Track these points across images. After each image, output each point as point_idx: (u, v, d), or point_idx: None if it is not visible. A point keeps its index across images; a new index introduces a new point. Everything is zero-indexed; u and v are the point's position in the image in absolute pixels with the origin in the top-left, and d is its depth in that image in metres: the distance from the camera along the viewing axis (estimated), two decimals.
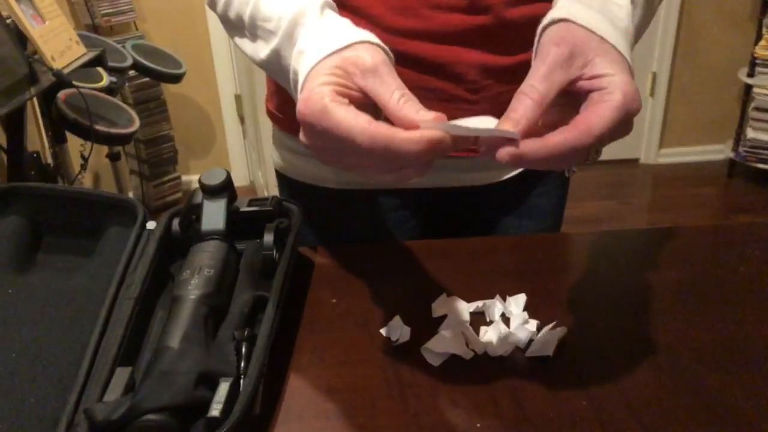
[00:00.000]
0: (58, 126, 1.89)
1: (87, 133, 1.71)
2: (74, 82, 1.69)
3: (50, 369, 0.52)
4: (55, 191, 0.67)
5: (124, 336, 0.53)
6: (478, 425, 0.49)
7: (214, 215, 0.62)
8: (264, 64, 0.57)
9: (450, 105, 0.65)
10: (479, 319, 0.59)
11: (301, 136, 0.45)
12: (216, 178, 0.63)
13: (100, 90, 1.89)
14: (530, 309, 0.59)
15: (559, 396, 0.51)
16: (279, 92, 0.77)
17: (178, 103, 2.73)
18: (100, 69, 1.95)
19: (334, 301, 0.63)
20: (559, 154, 0.40)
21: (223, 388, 0.46)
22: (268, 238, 0.61)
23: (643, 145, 3.09)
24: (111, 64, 1.99)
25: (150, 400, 0.44)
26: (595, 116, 0.41)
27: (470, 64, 0.63)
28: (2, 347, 0.53)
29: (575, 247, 0.72)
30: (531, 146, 0.40)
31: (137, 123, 1.86)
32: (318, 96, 0.42)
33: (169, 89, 2.63)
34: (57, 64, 1.49)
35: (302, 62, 0.47)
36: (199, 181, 0.63)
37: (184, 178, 2.80)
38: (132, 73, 2.28)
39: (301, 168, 0.77)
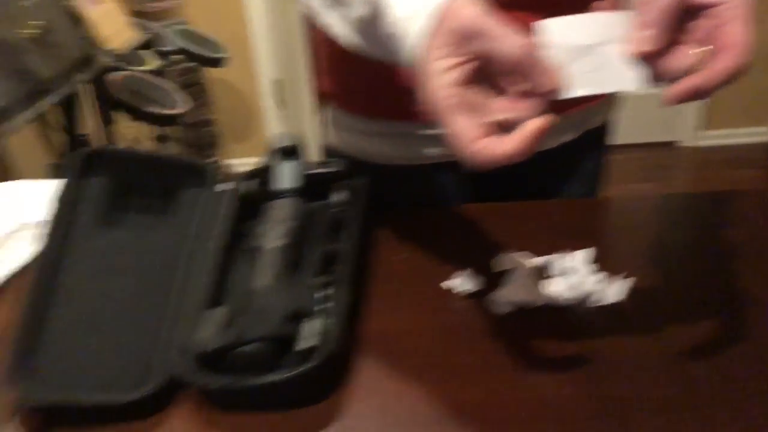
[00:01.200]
0: (106, 107, 1.95)
1: (137, 114, 1.76)
2: (123, 65, 1.74)
3: (141, 312, 0.56)
4: (135, 155, 0.72)
5: (209, 282, 0.57)
6: (556, 360, 0.51)
7: (287, 175, 0.66)
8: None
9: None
10: (542, 272, 0.61)
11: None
12: (288, 141, 0.67)
13: (148, 72, 1.95)
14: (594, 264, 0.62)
15: (632, 342, 0.53)
16: (337, 72, 0.79)
17: (219, 88, 2.79)
18: (147, 52, 2.01)
19: (397, 258, 0.66)
20: (726, 80, 0.41)
21: (310, 325, 0.50)
22: (340, 195, 0.65)
23: (684, 126, 3.05)
24: (157, 48, 2.04)
25: (248, 333, 0.48)
26: (739, 32, 0.41)
27: None
28: (97, 294, 0.57)
29: (631, 210, 0.74)
30: (707, 77, 0.41)
31: (184, 105, 1.91)
32: (441, 98, 0.42)
33: (209, 74, 2.69)
34: (111, 46, 1.54)
35: (409, 29, 0.44)
36: (273, 144, 0.67)
37: (225, 162, 2.86)
38: (174, 57, 2.34)
39: (358, 145, 0.79)
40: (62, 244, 0.59)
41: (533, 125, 0.41)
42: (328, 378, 0.51)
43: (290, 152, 0.66)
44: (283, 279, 0.54)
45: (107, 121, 1.94)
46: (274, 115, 2.95)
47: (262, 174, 0.66)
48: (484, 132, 0.41)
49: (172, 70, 2.40)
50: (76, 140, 1.84)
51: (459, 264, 0.62)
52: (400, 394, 0.49)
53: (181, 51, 2.21)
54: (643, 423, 0.46)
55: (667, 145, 3.10)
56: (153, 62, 1.98)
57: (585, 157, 0.82)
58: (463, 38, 0.42)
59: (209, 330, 0.51)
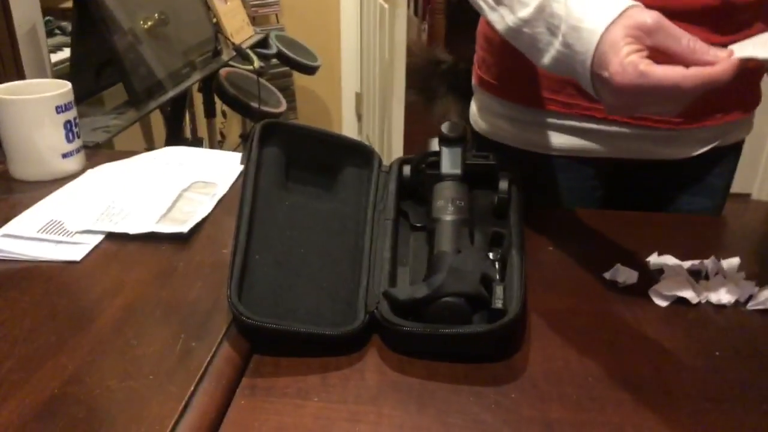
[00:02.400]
0: (210, 101, 2.06)
1: (243, 109, 1.86)
2: (232, 63, 1.85)
3: (336, 264, 0.62)
4: (305, 130, 0.78)
5: (392, 246, 0.63)
6: (717, 353, 0.55)
7: (453, 160, 0.71)
8: (512, 33, 0.63)
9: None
10: (694, 275, 0.65)
11: (609, 99, 0.52)
12: (456, 131, 0.73)
13: (252, 72, 2.05)
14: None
15: None
16: (499, 63, 0.85)
17: (304, 95, 2.90)
18: (251, 53, 2.11)
19: (550, 248, 0.71)
20: None
21: (499, 288, 0.55)
22: (504, 183, 0.70)
23: (758, 179, 3.02)
24: (260, 50, 2.15)
25: (448, 287, 0.53)
26: None
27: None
28: (290, 245, 0.63)
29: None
30: None
31: (285, 105, 2.01)
32: (631, 66, 0.49)
33: (297, 81, 2.80)
34: (233, 41, 1.64)
35: (582, 38, 0.52)
36: (441, 131, 0.72)
37: None
38: (273, 61, 2.45)
39: (508, 132, 0.86)
40: (254, 202, 0.65)
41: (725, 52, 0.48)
42: (510, 338, 0.55)
43: (458, 139, 0.72)
44: (469, 246, 0.59)
45: (210, 114, 2.04)
46: (351, 125, 3.04)
47: (430, 157, 0.72)
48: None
49: (268, 73, 2.51)
50: (175, 130, 1.95)
51: (612, 259, 0.66)
52: (569, 363, 0.53)
53: (281, 56, 2.32)
54: None
55: (738, 197, 3.07)
56: (257, 62, 2.09)
57: (715, 174, 0.86)
58: (647, 31, 0.49)
59: (405, 282, 0.56)
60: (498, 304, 0.53)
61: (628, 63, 0.49)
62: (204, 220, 0.72)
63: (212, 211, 0.75)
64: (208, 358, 0.50)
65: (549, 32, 0.57)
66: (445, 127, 0.73)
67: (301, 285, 0.59)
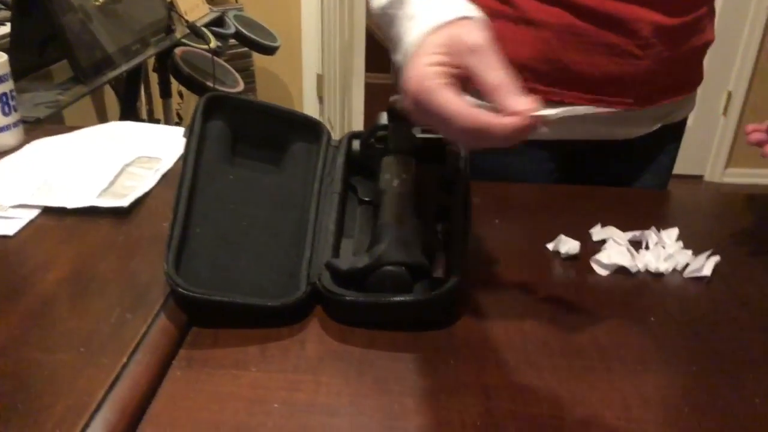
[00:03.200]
0: (166, 81, 2.01)
1: (199, 89, 1.82)
2: (185, 41, 1.81)
3: (279, 237, 0.61)
4: (252, 104, 0.77)
5: (337, 218, 0.63)
6: (652, 319, 0.56)
7: (401, 135, 0.71)
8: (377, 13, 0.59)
9: (619, 60, 0.73)
10: (635, 245, 0.66)
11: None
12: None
13: (207, 51, 2.01)
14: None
15: (719, 307, 0.58)
16: None
17: (264, 76, 2.86)
18: (207, 31, 2.07)
19: (496, 221, 0.71)
20: None
21: (441, 258, 0.55)
22: (452, 159, 0.70)
23: (710, 162, 3.10)
24: (216, 29, 2.10)
25: (390, 256, 0.53)
26: None
27: (645, 21, 0.71)
28: (233, 218, 0.62)
29: (716, 203, 0.79)
30: None
31: (242, 85, 1.97)
32: (426, 76, 0.44)
33: (257, 62, 2.76)
34: (188, 19, 1.61)
35: (410, 30, 0.49)
36: (389, 104, 0.72)
37: None
38: (231, 41, 2.40)
39: None
40: (195, 175, 0.64)
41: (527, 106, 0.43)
42: (451, 306, 0.55)
43: (405, 114, 0.71)
44: (411, 219, 0.59)
45: (165, 94, 2.00)
46: (313, 107, 3.01)
47: (379, 131, 0.71)
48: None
49: (225, 53, 2.46)
50: (128, 109, 1.90)
51: (556, 231, 0.67)
52: (508, 331, 0.54)
53: (238, 35, 2.27)
54: (736, 373, 0.50)
55: (691, 179, 3.16)
56: (213, 42, 2.04)
57: (663, 151, 0.88)
58: (464, 50, 0.45)
59: (348, 254, 0.56)
60: (439, 272, 0.53)
61: (422, 73, 0.45)
62: (146, 194, 0.71)
63: (155, 186, 0.73)
64: (143, 330, 0.49)
65: (396, 19, 0.53)
66: (394, 101, 0.73)
67: (243, 258, 0.58)
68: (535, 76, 0.79)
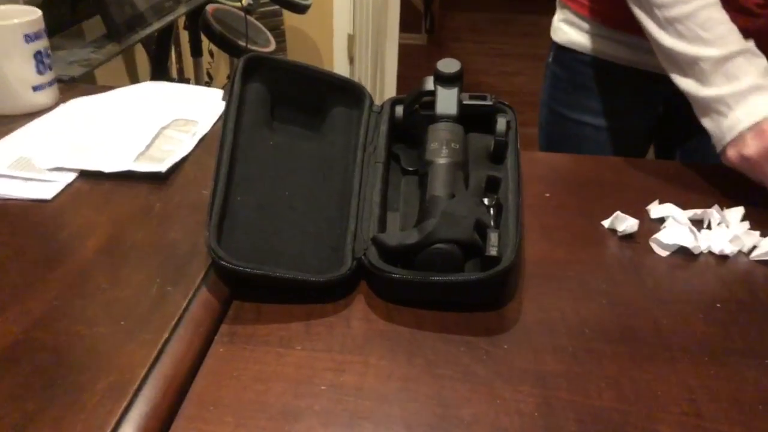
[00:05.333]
0: (197, 39, 1.97)
1: (230, 48, 1.78)
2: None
3: (322, 208, 0.59)
4: (292, 65, 0.73)
5: (382, 189, 0.60)
6: (718, 305, 0.52)
7: (448, 100, 0.67)
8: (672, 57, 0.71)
9: (739, 15, 0.72)
10: (696, 225, 0.62)
11: (753, 150, 0.64)
12: (452, 68, 0.68)
13: (239, 9, 1.96)
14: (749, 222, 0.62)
15: None
16: None
17: (295, 35, 2.80)
18: None
19: (547, 195, 0.68)
20: None
21: (494, 235, 0.52)
22: (501, 125, 0.66)
23: None
24: None
25: (440, 233, 0.50)
26: None
27: None
28: (275, 186, 0.59)
29: None
30: None
31: (273, 44, 1.93)
32: None
33: (288, 21, 2.70)
34: None
35: (760, 102, 0.64)
36: (436, 68, 0.68)
37: None
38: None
39: (585, 43, 0.93)
40: (236, 140, 0.61)
41: None
42: (504, 287, 0.53)
43: (455, 78, 0.68)
44: (464, 191, 0.56)
45: (197, 53, 1.97)
46: (343, 68, 2.96)
47: (424, 97, 0.67)
48: None
49: (257, 11, 2.41)
50: (160, 68, 1.87)
51: (614, 207, 0.63)
52: (564, 314, 0.51)
53: None
54: None
55: None
56: (245, 0, 1.99)
57: None
58: None
59: (395, 228, 0.54)
60: (492, 251, 0.50)
61: None
62: (184, 159, 0.68)
63: (193, 150, 0.71)
64: (185, 304, 0.47)
65: (729, 75, 0.66)
66: (441, 65, 0.69)
67: (285, 229, 0.55)
68: None
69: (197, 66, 2.08)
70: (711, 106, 0.68)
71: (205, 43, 2.07)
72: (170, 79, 2.02)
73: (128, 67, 2.08)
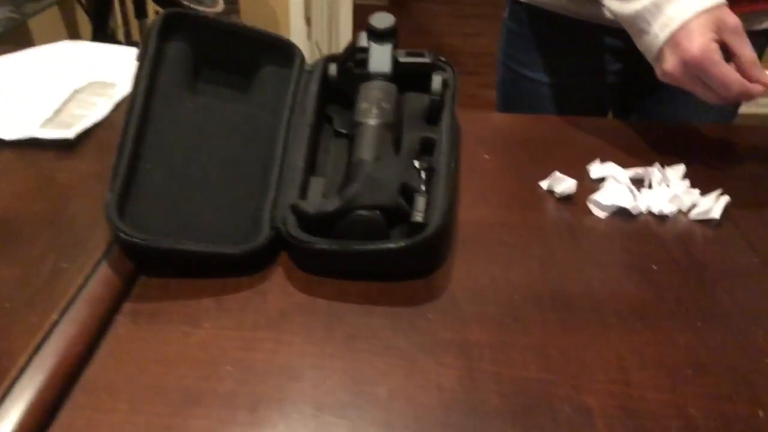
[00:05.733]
0: (140, 0, 1.88)
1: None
2: None
3: (242, 175, 0.54)
4: (216, 23, 0.68)
5: (306, 154, 0.56)
6: (654, 267, 0.51)
7: (381, 58, 0.63)
8: None
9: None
10: (637, 184, 0.60)
11: (671, 64, 0.59)
12: (385, 22, 0.64)
13: None
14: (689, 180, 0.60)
15: (728, 252, 0.53)
16: None
17: None
18: None
19: (486, 157, 0.65)
20: None
21: (421, 200, 0.49)
22: (437, 84, 0.62)
23: None
24: None
25: (363, 199, 0.47)
26: None
27: None
28: (190, 153, 0.55)
29: (725, 137, 0.72)
30: None
31: (222, 5, 1.85)
32: (712, 49, 0.57)
33: None
34: None
35: (680, 7, 0.59)
36: (369, 23, 0.64)
37: None
38: None
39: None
40: (147, 102, 0.56)
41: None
42: (431, 254, 0.50)
43: (388, 34, 0.64)
44: (391, 154, 0.53)
45: (141, 14, 1.87)
46: (300, 30, 2.87)
47: (358, 53, 0.63)
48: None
49: None
50: (100, 29, 1.78)
51: (551, 169, 0.61)
52: (494, 281, 0.49)
53: None
54: (744, 328, 0.45)
55: None
56: None
57: None
58: (727, 30, 0.57)
59: (317, 194, 0.50)
60: (418, 217, 0.47)
61: (708, 47, 0.56)
62: (98, 125, 0.63)
63: (109, 115, 0.66)
64: (80, 282, 0.43)
65: None
66: (373, 19, 0.65)
67: (199, 199, 0.51)
68: None
69: (143, 28, 1.99)
70: (635, 25, 0.64)
71: (152, 5, 1.97)
72: (116, 42, 1.92)
73: (69, 27, 1.97)
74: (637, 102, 0.95)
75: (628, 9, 0.64)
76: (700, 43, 0.57)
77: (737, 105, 0.88)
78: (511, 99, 0.99)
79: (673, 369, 0.42)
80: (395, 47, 0.64)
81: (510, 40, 0.97)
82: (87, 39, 1.88)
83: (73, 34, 2.01)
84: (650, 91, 0.91)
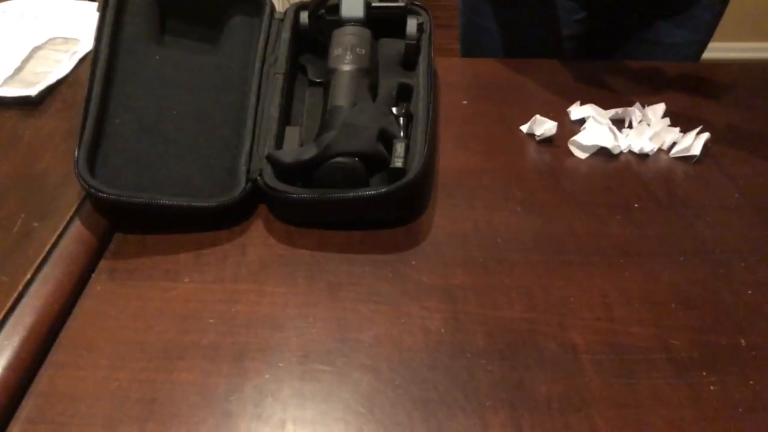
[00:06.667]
0: None
1: None
2: None
3: (216, 127, 0.53)
4: None
5: (281, 103, 0.54)
6: (636, 205, 0.50)
7: (354, 3, 0.61)
8: None
9: None
10: (618, 124, 0.59)
11: None
12: None
13: None
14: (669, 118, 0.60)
15: (708, 188, 0.52)
16: None
17: None
18: None
19: (465, 102, 0.64)
20: None
21: (400, 146, 0.48)
22: (411, 28, 0.60)
23: None
24: None
25: (340, 145, 0.45)
26: None
27: None
28: (160, 105, 0.53)
29: (704, 75, 0.72)
30: None
31: None
32: None
33: None
34: None
35: None
36: None
37: None
38: None
39: None
40: (112, 56, 0.54)
41: None
42: (412, 200, 0.49)
43: None
44: (367, 100, 0.51)
45: None
46: None
47: (320, 3, 0.61)
48: None
49: None
50: None
51: (531, 112, 0.60)
52: (477, 225, 0.48)
53: None
54: (726, 261, 0.46)
55: None
56: None
57: (702, 5, 0.79)
58: None
59: (294, 144, 0.49)
60: (397, 162, 0.46)
61: None
62: (60, 81, 0.61)
63: (72, 71, 0.63)
64: (53, 240, 0.42)
65: None
66: None
67: (172, 152, 0.50)
68: None
69: None
70: None
71: None
72: None
73: None
74: (600, 51, 0.93)
75: None
76: None
77: (700, 49, 0.87)
78: (472, 51, 0.97)
79: (656, 304, 0.42)
80: None
81: None
82: None
83: None
84: (614, 41, 0.88)
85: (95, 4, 0.78)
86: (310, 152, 0.46)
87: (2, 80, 0.59)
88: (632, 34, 0.83)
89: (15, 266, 0.39)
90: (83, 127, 0.47)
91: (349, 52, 0.56)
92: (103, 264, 0.43)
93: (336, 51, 0.56)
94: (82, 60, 0.65)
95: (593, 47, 0.94)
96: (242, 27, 0.64)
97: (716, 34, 0.84)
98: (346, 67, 0.54)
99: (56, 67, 0.63)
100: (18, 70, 0.61)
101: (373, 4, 0.63)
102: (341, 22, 0.60)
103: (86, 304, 0.40)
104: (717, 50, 3.11)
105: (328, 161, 0.45)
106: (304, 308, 0.41)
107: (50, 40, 0.67)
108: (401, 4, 0.64)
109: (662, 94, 0.64)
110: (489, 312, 0.41)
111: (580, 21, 0.85)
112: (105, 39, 0.53)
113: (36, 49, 0.65)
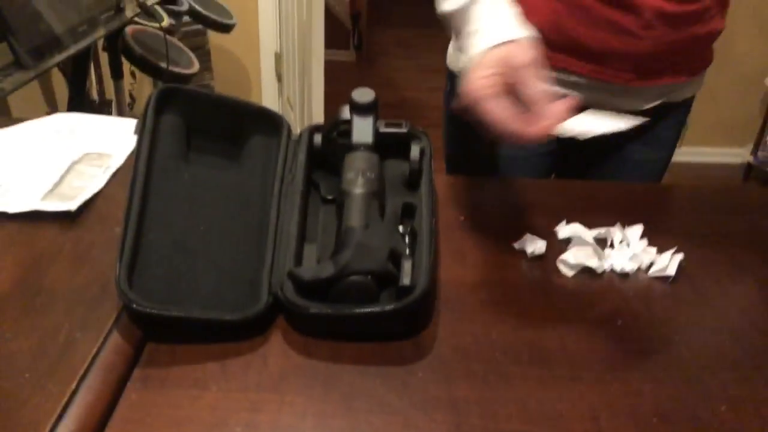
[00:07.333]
0: (117, 62, 1.92)
1: (152, 70, 1.75)
2: (137, 20, 1.73)
3: (238, 242, 0.58)
4: (207, 96, 0.73)
5: (299, 221, 0.60)
6: (619, 322, 0.56)
7: (364, 129, 0.69)
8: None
9: (621, 37, 0.76)
10: (600, 243, 0.66)
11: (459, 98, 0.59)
12: (367, 97, 0.70)
13: (159, 30, 1.92)
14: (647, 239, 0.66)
15: (686, 307, 0.58)
16: None
17: (220, 55, 2.77)
18: (159, 9, 1.98)
19: (462, 218, 0.70)
20: None
21: (408, 264, 0.53)
22: (415, 153, 0.68)
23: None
24: (169, 6, 2.02)
25: (355, 265, 0.51)
26: None
27: (648, 5, 0.74)
28: (190, 222, 0.59)
29: (679, 197, 0.79)
30: None
31: (197, 65, 1.90)
32: (479, 87, 0.56)
33: (213, 41, 2.67)
34: None
35: (472, 45, 0.61)
36: (351, 98, 0.69)
37: None
38: (184, 18, 2.31)
39: None
40: (148, 175, 0.60)
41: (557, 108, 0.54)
42: (418, 315, 0.54)
43: (370, 107, 0.69)
44: (378, 221, 0.57)
45: (117, 75, 1.91)
46: (271, 87, 2.94)
47: (342, 125, 0.69)
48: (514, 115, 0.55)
49: (179, 31, 2.38)
50: (78, 93, 1.81)
51: (522, 229, 0.66)
52: (477, 338, 0.53)
53: (192, 12, 2.19)
54: (701, 377, 0.50)
55: None
56: (165, 21, 1.96)
57: (664, 126, 0.89)
58: (514, 66, 0.56)
59: (311, 260, 0.54)
60: (406, 280, 0.52)
61: (476, 85, 0.56)
62: (96, 195, 0.67)
63: (105, 185, 0.69)
64: (95, 350, 0.46)
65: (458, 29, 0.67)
66: (356, 94, 0.70)
67: (200, 266, 0.55)
68: (544, 42, 0.79)
69: (118, 88, 2.02)
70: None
71: (126, 65, 2.02)
72: (90, 102, 1.95)
73: (45, 93, 2.00)
74: (573, 166, 0.99)
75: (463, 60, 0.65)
76: (473, 79, 0.57)
77: (665, 165, 0.96)
78: (457, 165, 1.03)
79: (640, 418, 0.46)
80: (376, 119, 0.70)
81: (452, 118, 1.00)
82: (63, 102, 1.91)
83: (49, 98, 2.03)
84: (583, 161, 0.96)
85: (125, 120, 0.86)
86: (327, 270, 0.51)
87: (43, 194, 0.65)
88: (603, 152, 0.93)
89: (62, 375, 0.43)
90: (122, 244, 0.52)
91: (360, 176, 0.62)
92: (137, 373, 0.47)
93: (349, 175, 0.63)
94: (114, 174, 0.71)
95: (567, 162, 1.02)
96: (261, 146, 0.71)
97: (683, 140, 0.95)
98: (358, 190, 0.61)
99: (92, 181, 0.69)
100: (56, 184, 0.67)
101: (381, 130, 0.71)
102: (352, 146, 0.67)
103: (122, 412, 0.44)
104: (684, 154, 3.24)
105: (344, 279, 0.51)
106: (321, 419, 0.45)
107: (86, 155, 0.74)
108: (405, 129, 0.72)
109: (640, 213, 0.71)
110: (490, 424, 0.45)
111: (552, 144, 0.93)
112: (142, 161, 0.59)
113: (73, 164, 0.71)
